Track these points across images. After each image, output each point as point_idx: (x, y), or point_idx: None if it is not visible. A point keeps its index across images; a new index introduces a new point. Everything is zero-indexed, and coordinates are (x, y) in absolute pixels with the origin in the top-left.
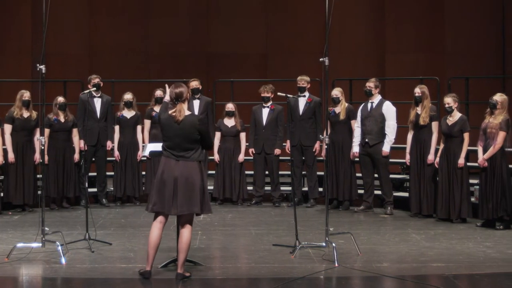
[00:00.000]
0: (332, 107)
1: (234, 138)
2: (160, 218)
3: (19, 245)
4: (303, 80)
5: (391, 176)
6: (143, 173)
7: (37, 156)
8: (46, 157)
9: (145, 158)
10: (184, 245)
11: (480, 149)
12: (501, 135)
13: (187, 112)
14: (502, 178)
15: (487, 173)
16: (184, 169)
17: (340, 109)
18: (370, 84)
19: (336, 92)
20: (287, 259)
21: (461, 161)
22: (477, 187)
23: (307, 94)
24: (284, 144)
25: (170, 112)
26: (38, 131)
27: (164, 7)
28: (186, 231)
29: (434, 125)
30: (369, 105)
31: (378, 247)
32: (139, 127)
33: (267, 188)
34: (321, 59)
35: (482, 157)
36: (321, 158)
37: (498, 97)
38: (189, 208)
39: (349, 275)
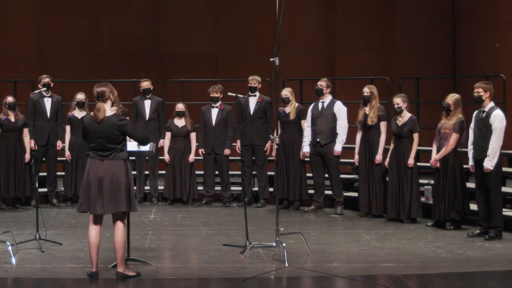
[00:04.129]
0: (282, 107)
1: (185, 138)
2: (95, 219)
3: None
4: (254, 80)
5: (341, 176)
6: None
7: None
8: None
9: None
10: (118, 243)
11: (434, 149)
12: (454, 136)
13: (109, 113)
14: (454, 179)
15: (440, 173)
16: (109, 168)
17: (290, 109)
18: (322, 83)
19: (286, 92)
20: (237, 259)
21: (410, 161)
22: (427, 187)
23: (257, 93)
24: (234, 144)
25: (92, 112)
26: None
27: (114, 7)
28: (118, 230)
29: (383, 125)
30: (320, 104)
31: (328, 247)
32: None
33: (217, 188)
34: (272, 59)
35: (434, 157)
36: (272, 158)
37: (450, 99)
38: (115, 207)
39: (300, 275)
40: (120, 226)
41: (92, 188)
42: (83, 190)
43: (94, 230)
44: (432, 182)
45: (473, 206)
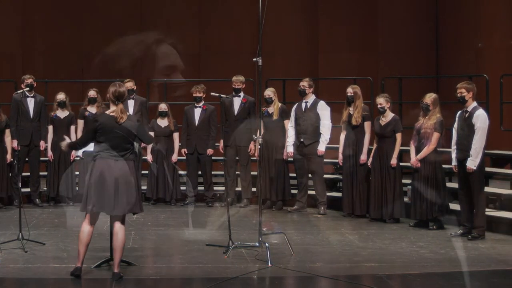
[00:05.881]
0: (265, 107)
1: (167, 138)
2: (92, 217)
3: None
4: (238, 81)
5: (324, 176)
6: (77, 173)
7: None
8: None
9: (78, 158)
10: (120, 243)
11: (412, 149)
12: (435, 136)
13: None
14: (436, 179)
15: (421, 173)
16: (123, 169)
17: (273, 109)
18: (304, 83)
19: (269, 92)
20: (220, 259)
21: (393, 161)
22: (410, 187)
23: (242, 94)
24: (217, 144)
25: (108, 112)
26: None
27: (97, 7)
28: (120, 230)
29: (367, 125)
30: (303, 104)
31: (311, 247)
32: (72, 127)
33: (200, 188)
34: (255, 59)
35: (415, 157)
36: (255, 158)
37: (428, 99)
38: (131, 208)
39: (283, 275)
40: (122, 227)
41: (108, 188)
42: (95, 190)
43: (88, 228)
44: None
45: (455, 206)
